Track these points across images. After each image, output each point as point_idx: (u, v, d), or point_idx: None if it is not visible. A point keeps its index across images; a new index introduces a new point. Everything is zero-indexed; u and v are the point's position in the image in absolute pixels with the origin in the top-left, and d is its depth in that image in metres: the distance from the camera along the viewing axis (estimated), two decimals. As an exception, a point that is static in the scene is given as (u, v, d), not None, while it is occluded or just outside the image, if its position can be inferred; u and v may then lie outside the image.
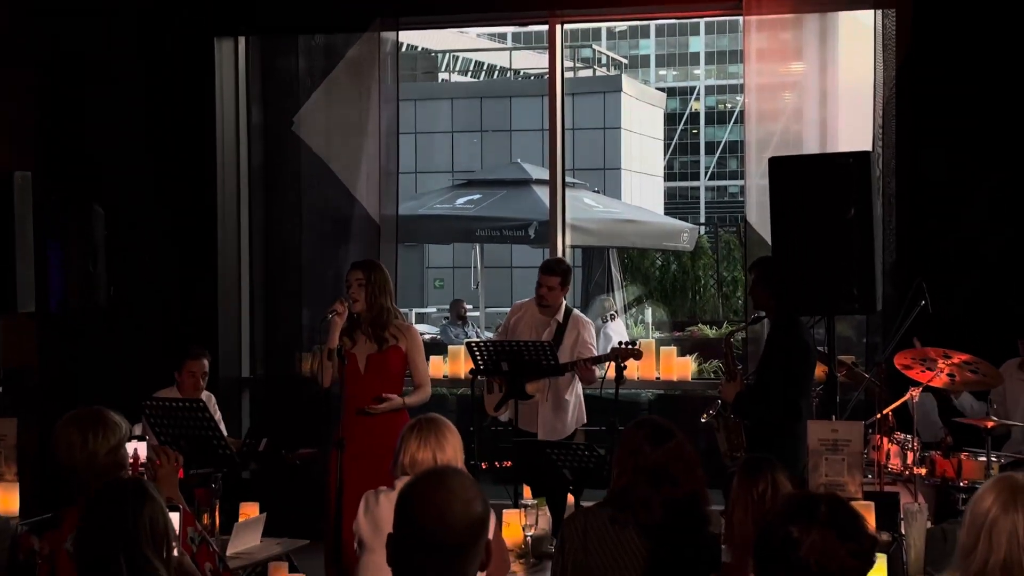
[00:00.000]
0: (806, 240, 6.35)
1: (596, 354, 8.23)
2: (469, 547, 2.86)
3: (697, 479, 4.45)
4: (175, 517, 3.84)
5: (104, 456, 4.37)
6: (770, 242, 6.91)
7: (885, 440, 6.97)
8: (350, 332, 7.21)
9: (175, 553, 3.64)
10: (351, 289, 7.20)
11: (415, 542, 2.85)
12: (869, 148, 8.17)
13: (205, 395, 8.22)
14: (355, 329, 7.21)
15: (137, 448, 4.86)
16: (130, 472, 4.54)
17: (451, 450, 4.75)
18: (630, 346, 7.93)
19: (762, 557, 3.10)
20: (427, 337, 17.70)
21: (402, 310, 7.67)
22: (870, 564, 3.07)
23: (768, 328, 7.35)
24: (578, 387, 8.31)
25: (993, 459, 6.83)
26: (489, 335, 17.09)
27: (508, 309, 8.91)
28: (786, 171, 6.56)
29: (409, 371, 7.35)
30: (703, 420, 7.23)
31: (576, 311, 8.45)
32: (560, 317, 8.22)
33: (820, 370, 7.13)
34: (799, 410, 6.68)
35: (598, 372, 8.18)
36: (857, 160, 6.37)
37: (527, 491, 6.61)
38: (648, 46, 61.55)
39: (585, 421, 8.39)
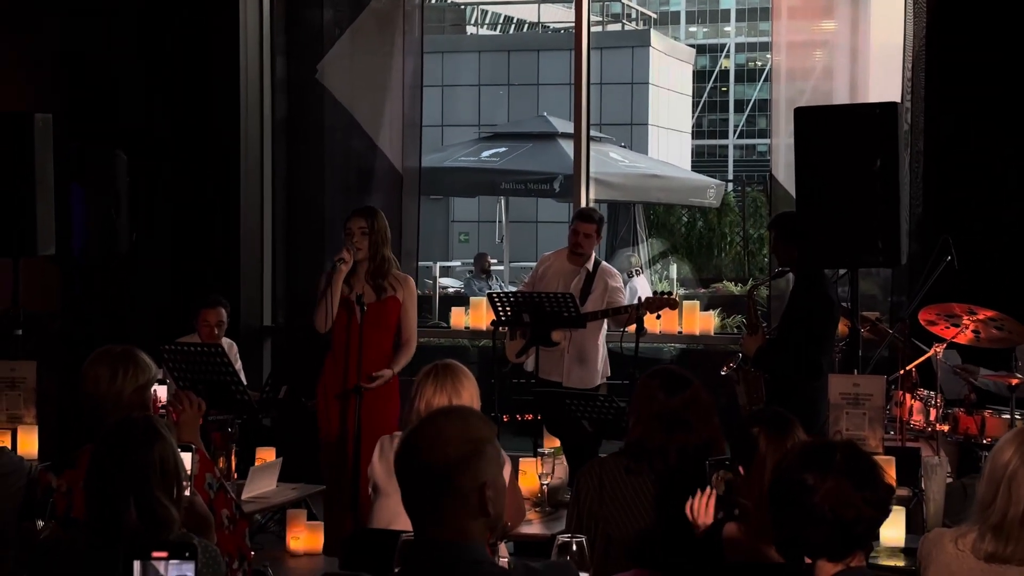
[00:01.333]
0: (831, 192, 6.27)
1: (624, 299, 8.22)
2: (436, 484, 2.82)
3: (713, 426, 4.41)
4: (187, 457, 3.81)
5: (130, 394, 4.36)
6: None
7: (908, 396, 6.94)
8: (347, 279, 7.15)
9: (186, 493, 3.62)
10: (354, 237, 7.11)
11: (398, 473, 2.90)
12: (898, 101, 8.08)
13: (227, 343, 8.21)
14: (351, 276, 7.15)
15: (157, 391, 4.84)
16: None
17: (467, 396, 4.72)
18: (665, 295, 7.93)
19: (777, 504, 3.08)
20: (451, 290, 17.72)
21: (426, 263, 7.66)
22: (886, 513, 3.04)
23: (792, 283, 7.29)
24: (603, 338, 8.28)
25: (1017, 417, 6.78)
26: (513, 289, 17.08)
27: (533, 263, 8.90)
28: (812, 122, 6.46)
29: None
30: (723, 373, 7.20)
31: (605, 262, 8.47)
32: (589, 266, 8.22)
33: (843, 325, 7.07)
34: (820, 365, 6.63)
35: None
36: (884, 111, 6.28)
37: (547, 443, 6.59)
38: (678, 2, 61.09)
39: (609, 374, 8.37)
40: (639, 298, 8.06)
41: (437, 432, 2.87)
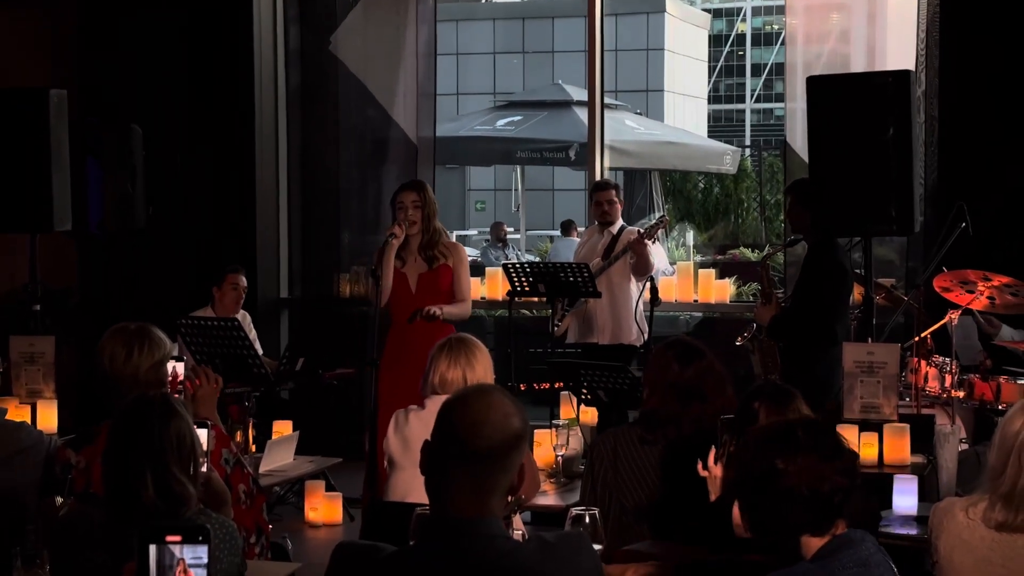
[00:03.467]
0: (844, 160, 6.27)
1: (648, 259, 8.31)
2: (500, 460, 2.85)
3: (727, 397, 4.43)
4: (203, 434, 3.84)
5: (146, 371, 4.38)
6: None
7: (923, 363, 6.93)
8: (398, 252, 7.18)
9: (203, 469, 3.66)
10: (408, 211, 7.12)
11: (449, 449, 2.86)
12: (912, 69, 8.05)
13: (241, 314, 8.26)
14: (402, 249, 7.18)
15: (177, 367, 4.87)
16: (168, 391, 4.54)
17: (481, 369, 4.74)
18: (656, 220, 8.55)
19: (750, 492, 3.05)
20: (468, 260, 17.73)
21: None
22: (857, 478, 3.05)
23: (805, 251, 7.30)
24: (633, 291, 8.36)
25: (1032, 382, 6.77)
26: (530, 258, 17.11)
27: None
28: (824, 90, 6.46)
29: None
30: (738, 343, 7.21)
31: (629, 226, 8.71)
32: (614, 230, 8.54)
33: (857, 292, 7.07)
34: (835, 333, 6.64)
35: (651, 259, 8.32)
36: (896, 79, 6.27)
37: (563, 413, 6.63)
38: (693, -34, 60.78)
39: (647, 336, 8.42)
40: (638, 231, 8.30)
41: (496, 408, 2.88)
